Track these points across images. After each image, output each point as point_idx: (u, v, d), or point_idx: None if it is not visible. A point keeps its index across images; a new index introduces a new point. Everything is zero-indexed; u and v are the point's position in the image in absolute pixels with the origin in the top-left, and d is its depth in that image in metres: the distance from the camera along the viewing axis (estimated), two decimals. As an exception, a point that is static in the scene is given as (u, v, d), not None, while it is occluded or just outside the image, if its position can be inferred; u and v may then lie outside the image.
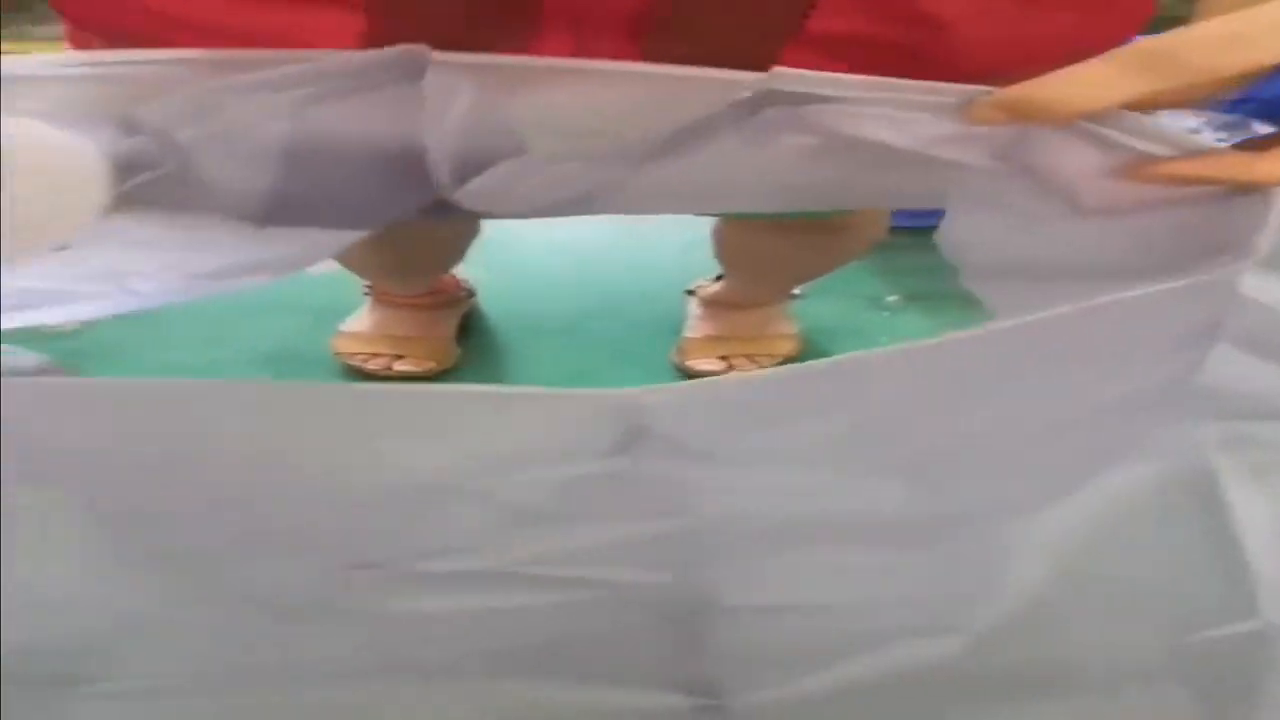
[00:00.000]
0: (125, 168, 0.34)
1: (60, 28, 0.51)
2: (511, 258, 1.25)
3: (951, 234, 0.42)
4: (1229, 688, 0.39)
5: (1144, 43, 0.32)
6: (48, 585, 0.36)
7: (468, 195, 0.40)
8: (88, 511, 0.35)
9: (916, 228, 0.56)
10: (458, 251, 0.95)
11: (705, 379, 0.33)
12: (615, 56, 0.47)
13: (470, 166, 0.40)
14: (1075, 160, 0.35)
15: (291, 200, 0.41)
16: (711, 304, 1.09)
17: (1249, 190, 0.34)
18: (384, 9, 0.44)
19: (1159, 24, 0.38)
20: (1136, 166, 0.35)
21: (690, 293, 1.13)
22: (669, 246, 1.27)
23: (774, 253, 0.90)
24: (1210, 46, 0.31)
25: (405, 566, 0.36)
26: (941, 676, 0.40)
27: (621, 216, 1.28)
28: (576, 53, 0.48)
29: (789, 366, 0.32)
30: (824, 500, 0.36)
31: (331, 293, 1.11)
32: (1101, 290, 0.32)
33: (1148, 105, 0.34)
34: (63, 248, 0.33)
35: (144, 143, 0.34)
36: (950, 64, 0.48)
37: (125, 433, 0.32)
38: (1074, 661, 0.41)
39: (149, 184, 0.35)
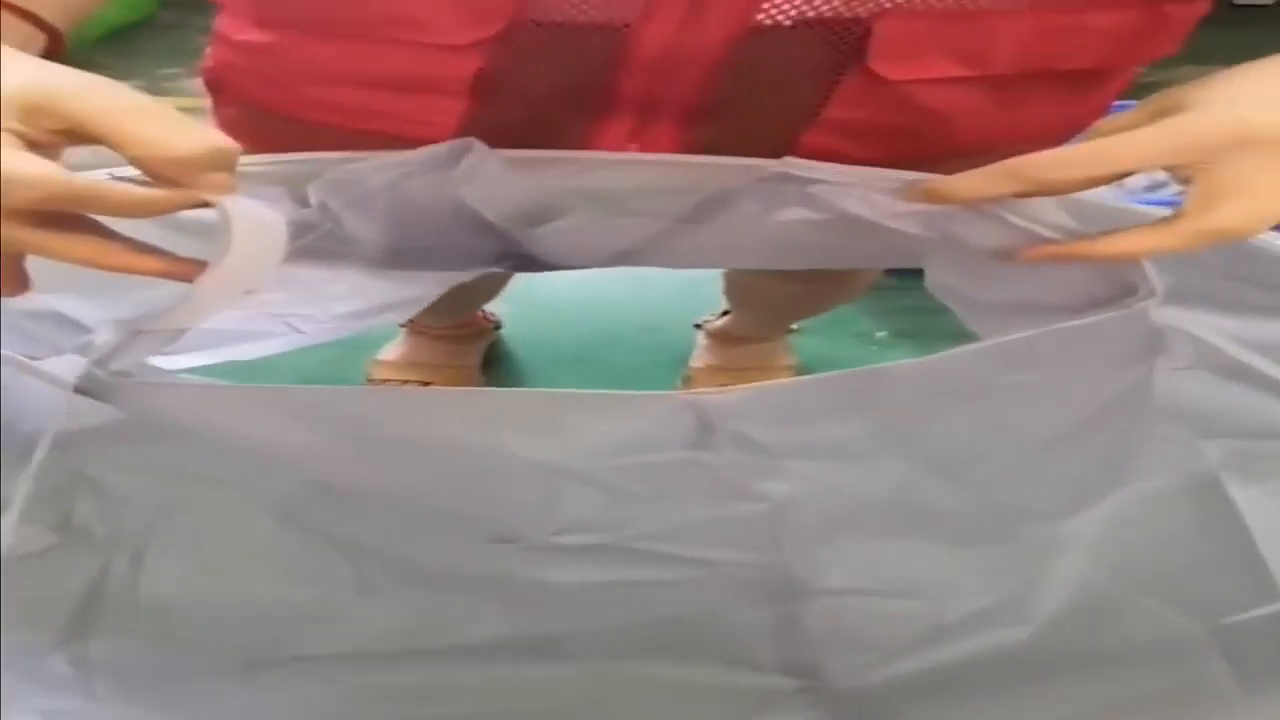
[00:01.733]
0: (297, 230, 0.43)
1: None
2: (530, 291, 1.33)
3: (933, 282, 0.54)
4: (1263, 662, 0.44)
5: (1009, 161, 0.45)
6: (236, 574, 0.44)
7: (539, 248, 0.52)
8: (265, 505, 0.43)
9: (903, 271, 0.65)
10: (496, 288, 1.03)
11: (757, 384, 0.42)
12: (664, 138, 0.57)
13: (521, 224, 0.52)
14: (981, 232, 0.49)
15: (400, 249, 0.51)
16: (717, 337, 1.18)
17: (1100, 262, 0.46)
18: (486, 98, 0.53)
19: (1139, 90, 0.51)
20: (1025, 249, 0.47)
21: (698, 326, 1.22)
22: (673, 284, 1.36)
23: (779, 295, 0.99)
24: (1044, 167, 0.44)
25: (536, 540, 0.42)
26: (1013, 659, 0.46)
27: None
28: (634, 133, 0.57)
29: (828, 374, 0.41)
30: (877, 492, 0.44)
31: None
32: (1054, 320, 0.42)
33: (1017, 197, 0.47)
34: (252, 292, 0.42)
35: (311, 212, 0.44)
36: (944, 143, 0.58)
37: (294, 432, 0.40)
38: (1124, 645, 0.47)
39: (311, 241, 0.45)
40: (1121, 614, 0.47)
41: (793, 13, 0.48)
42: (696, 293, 1.24)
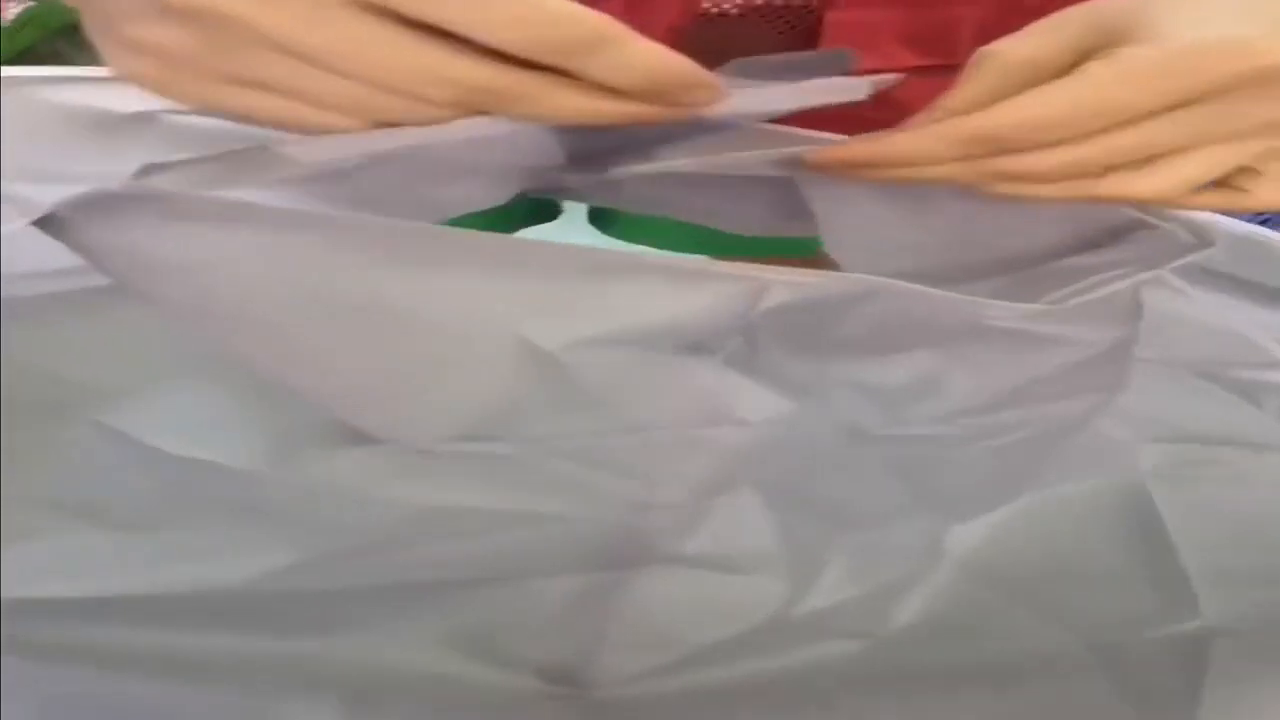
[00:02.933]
0: None
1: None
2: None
3: (834, 243, 0.43)
4: (1166, 688, 0.40)
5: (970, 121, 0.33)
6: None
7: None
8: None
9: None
10: None
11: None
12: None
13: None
14: None
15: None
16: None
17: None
18: None
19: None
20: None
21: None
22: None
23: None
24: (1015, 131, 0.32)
25: (421, 442, 0.33)
26: (841, 676, 0.41)
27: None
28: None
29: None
30: (805, 441, 0.38)
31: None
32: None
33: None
34: None
35: None
36: None
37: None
38: (987, 660, 0.42)
39: None
40: (986, 630, 0.42)
41: (739, 0, 0.47)
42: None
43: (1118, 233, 0.38)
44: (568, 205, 0.60)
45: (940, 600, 0.42)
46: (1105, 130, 0.31)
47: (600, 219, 0.68)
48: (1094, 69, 0.31)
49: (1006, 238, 0.40)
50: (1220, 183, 0.34)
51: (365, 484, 0.34)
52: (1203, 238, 0.36)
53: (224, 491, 0.34)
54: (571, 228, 0.60)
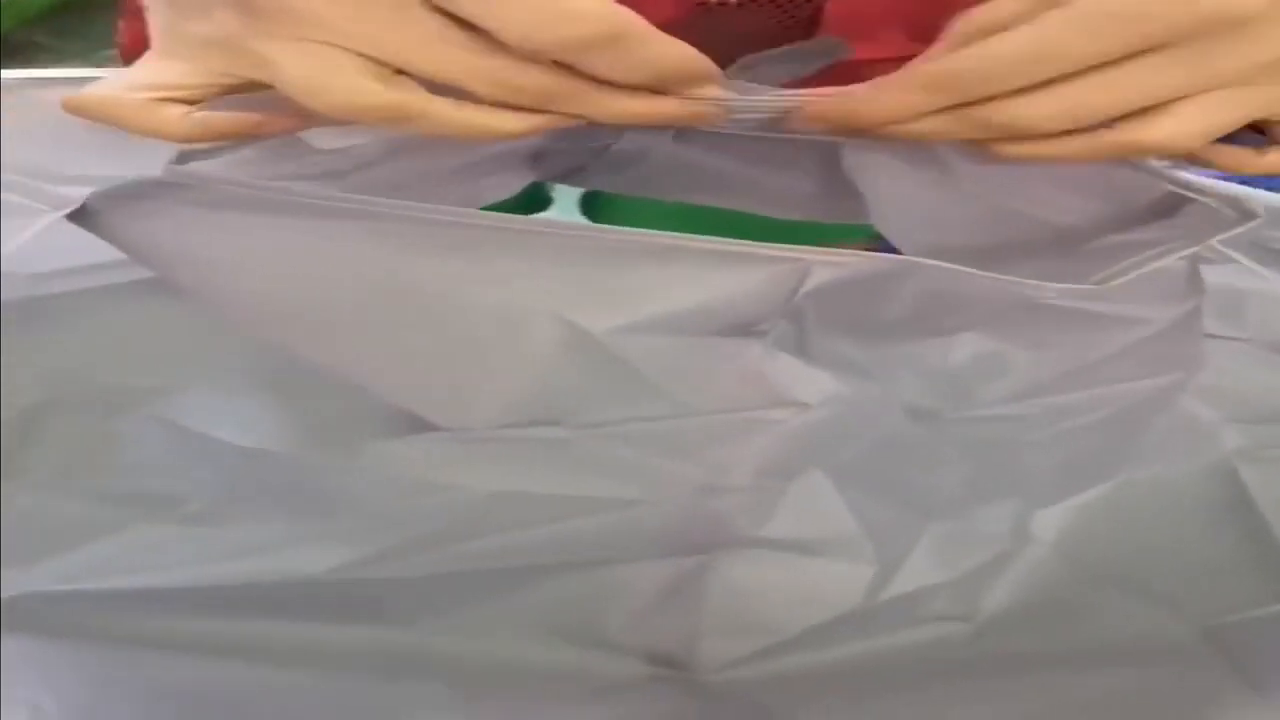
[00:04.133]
0: None
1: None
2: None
3: (881, 219, 0.42)
4: (1272, 663, 0.39)
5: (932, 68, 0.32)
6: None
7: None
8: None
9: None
10: None
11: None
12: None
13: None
14: None
15: None
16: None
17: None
18: None
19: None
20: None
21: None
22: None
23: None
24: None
25: (478, 429, 0.34)
26: (938, 660, 0.40)
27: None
28: None
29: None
30: (875, 423, 0.37)
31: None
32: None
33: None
34: None
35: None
36: None
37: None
38: (1091, 645, 0.41)
39: None
40: (1085, 614, 0.41)
41: None
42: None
43: (1160, 209, 0.37)
44: (559, 195, 0.59)
45: (1033, 585, 0.41)
46: (1080, 73, 0.29)
47: (592, 208, 0.67)
48: (1052, 14, 0.29)
49: (1047, 212, 0.39)
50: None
51: (428, 471, 0.35)
52: (1245, 211, 0.35)
53: (290, 482, 0.35)
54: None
